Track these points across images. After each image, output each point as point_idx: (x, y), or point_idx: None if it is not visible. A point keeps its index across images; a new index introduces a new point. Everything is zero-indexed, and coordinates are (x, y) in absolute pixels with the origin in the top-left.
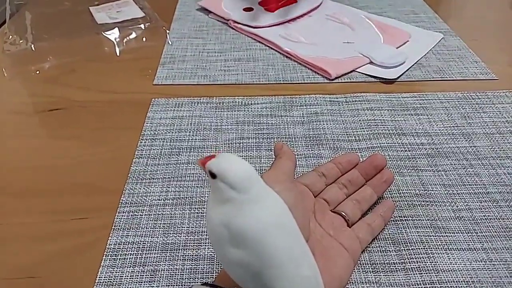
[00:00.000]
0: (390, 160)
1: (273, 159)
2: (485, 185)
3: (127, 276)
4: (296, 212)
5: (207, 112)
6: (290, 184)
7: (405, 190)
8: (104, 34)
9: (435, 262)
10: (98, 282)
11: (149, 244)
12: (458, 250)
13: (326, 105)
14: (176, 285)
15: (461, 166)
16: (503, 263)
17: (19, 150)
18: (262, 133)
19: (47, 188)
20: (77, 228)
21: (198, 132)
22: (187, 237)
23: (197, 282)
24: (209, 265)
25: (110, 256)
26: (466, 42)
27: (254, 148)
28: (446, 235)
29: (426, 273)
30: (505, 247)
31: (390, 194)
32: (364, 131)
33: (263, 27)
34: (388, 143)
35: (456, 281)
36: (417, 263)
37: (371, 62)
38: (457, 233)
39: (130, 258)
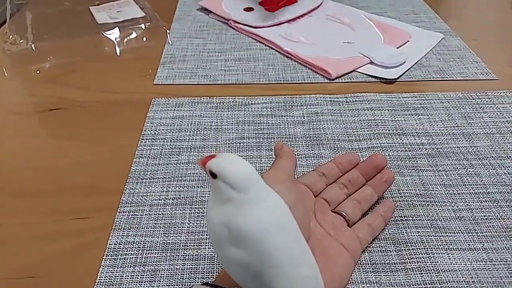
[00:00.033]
0: (391, 160)
1: (274, 159)
2: (485, 185)
3: (128, 276)
4: (296, 212)
5: (208, 112)
6: (290, 184)
7: (406, 190)
8: (105, 34)
9: (435, 262)
10: (98, 282)
11: (149, 244)
12: (459, 250)
13: (327, 105)
14: (177, 285)
15: (461, 166)
16: (503, 263)
17: (19, 150)
18: (263, 133)
19: (47, 188)
20: (77, 228)
21: (198, 132)
22: (187, 237)
23: (198, 282)
24: (209, 265)
25: (111, 256)
26: (467, 42)
27: (255, 148)
28: (447, 235)
29: (427, 273)
30: (505, 247)
31: (390, 194)
32: (364, 131)
33: (263, 27)
34: (389, 143)
35: (457, 281)
36: (418, 263)
37: (371, 62)
38: (457, 233)
39: (130, 258)
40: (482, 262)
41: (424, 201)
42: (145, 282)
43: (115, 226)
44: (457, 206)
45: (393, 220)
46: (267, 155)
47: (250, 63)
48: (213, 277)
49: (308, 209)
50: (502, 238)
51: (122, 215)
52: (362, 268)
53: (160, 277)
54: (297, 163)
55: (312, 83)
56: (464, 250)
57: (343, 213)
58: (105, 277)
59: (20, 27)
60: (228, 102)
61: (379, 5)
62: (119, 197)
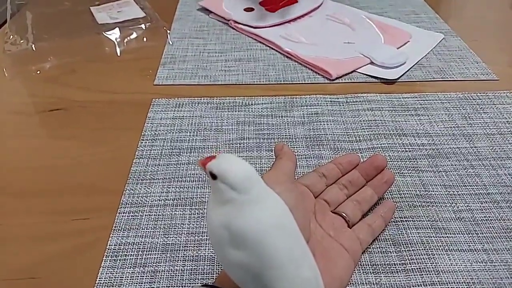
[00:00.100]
0: (391, 161)
1: (274, 160)
2: (485, 185)
3: (128, 277)
4: (296, 213)
5: (208, 113)
6: (290, 185)
7: (406, 190)
8: (105, 34)
9: (435, 263)
10: (98, 283)
11: (149, 245)
12: (459, 251)
13: (327, 105)
14: (177, 286)
15: (461, 167)
16: (504, 264)
17: (19, 150)
18: (263, 133)
19: (47, 188)
20: (77, 228)
21: (198, 132)
22: (187, 237)
23: (198, 283)
24: (209, 266)
25: (111, 257)
26: (467, 42)
27: (255, 149)
28: (447, 236)
29: (427, 274)
30: (506, 248)
31: (390, 194)
32: (364, 131)
33: (263, 27)
34: (389, 143)
35: (457, 282)
36: (418, 264)
37: (371, 63)
38: (457, 234)
39: (130, 259)
40: (482, 263)
41: (424, 202)
42: (145, 283)
43: (115, 227)
44: (458, 207)
45: (393, 221)
46: (267, 156)
47: (250, 63)
48: (213, 278)
49: (308, 210)
50: (502, 239)
51: (122, 216)
52: (362, 269)
53: (160, 278)
54: (297, 163)
55: (313, 83)
56: (464, 251)
57: (343, 214)
58: (105, 278)
59: (21, 28)
60: (228, 102)
61: (379, 5)
62: (119, 197)
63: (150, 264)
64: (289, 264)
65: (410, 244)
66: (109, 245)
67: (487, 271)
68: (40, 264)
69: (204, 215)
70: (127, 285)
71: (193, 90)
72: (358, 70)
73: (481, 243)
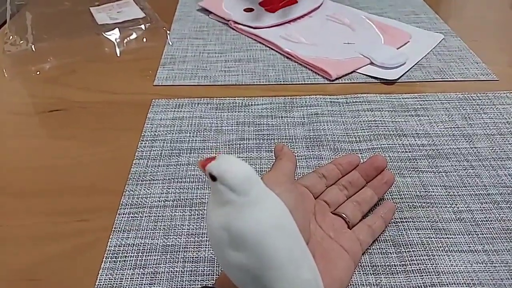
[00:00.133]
0: (391, 161)
1: (274, 161)
2: (486, 186)
3: (127, 278)
4: (296, 214)
5: (208, 113)
6: (290, 186)
7: (406, 191)
8: (105, 35)
9: (436, 264)
10: (98, 284)
11: (149, 246)
12: (459, 252)
13: (327, 106)
14: None
15: (461, 167)
16: (504, 265)
17: (19, 150)
18: (263, 134)
19: (47, 188)
20: (77, 229)
21: (198, 133)
22: (187, 239)
23: (197, 285)
24: (209, 267)
25: (110, 258)
26: (467, 42)
27: (255, 149)
28: (447, 237)
29: (427, 275)
30: (506, 249)
31: (390, 195)
32: (364, 132)
33: (263, 27)
34: (389, 144)
35: (457, 283)
36: (418, 265)
37: (371, 63)
38: (458, 234)
39: (130, 260)
40: (482, 264)
41: (424, 203)
42: (145, 284)
43: (115, 228)
44: (458, 208)
45: (393, 222)
46: (267, 156)
47: (250, 64)
48: (213, 280)
49: (308, 211)
50: (502, 239)
51: (122, 217)
52: (362, 270)
53: (160, 279)
54: (297, 164)
55: (312, 84)
56: (464, 252)
57: (343, 215)
58: (105, 279)
59: (20, 28)
60: (228, 103)
61: (379, 6)
62: (119, 197)
63: (150, 266)
64: (289, 265)
65: (410, 245)
66: (109, 246)
67: (487, 272)
68: (40, 265)
69: (204, 216)
70: (127, 287)
71: (193, 91)
72: (358, 71)
73: (481, 244)
